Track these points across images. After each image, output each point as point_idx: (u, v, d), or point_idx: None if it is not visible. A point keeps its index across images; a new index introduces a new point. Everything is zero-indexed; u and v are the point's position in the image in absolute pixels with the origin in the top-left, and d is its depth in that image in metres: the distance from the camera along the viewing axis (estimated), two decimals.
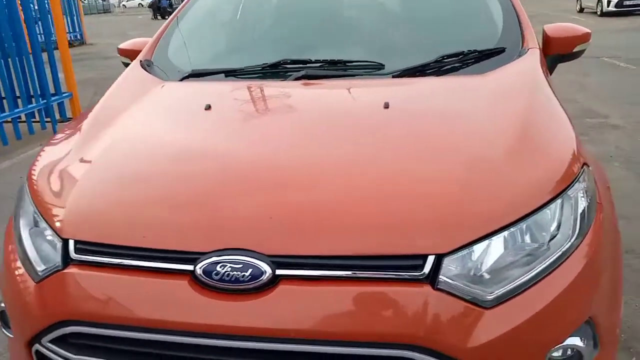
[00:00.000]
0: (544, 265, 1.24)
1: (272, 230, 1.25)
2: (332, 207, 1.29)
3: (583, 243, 1.30)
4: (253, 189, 1.38)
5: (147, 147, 1.66)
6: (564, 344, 1.25)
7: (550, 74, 2.38)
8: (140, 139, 1.71)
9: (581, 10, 20.89)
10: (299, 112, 1.79)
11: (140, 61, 2.30)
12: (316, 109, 1.79)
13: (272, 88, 2.00)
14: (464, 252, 1.20)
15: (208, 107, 1.79)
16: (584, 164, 1.45)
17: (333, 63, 2.04)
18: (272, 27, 2.48)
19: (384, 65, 1.98)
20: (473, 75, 1.88)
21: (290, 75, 1.99)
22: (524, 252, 1.25)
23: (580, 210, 1.34)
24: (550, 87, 1.83)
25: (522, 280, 1.22)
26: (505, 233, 1.24)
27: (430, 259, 1.18)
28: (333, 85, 1.93)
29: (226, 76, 2.10)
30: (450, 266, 1.19)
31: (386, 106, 1.67)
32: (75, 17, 14.93)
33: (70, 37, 14.34)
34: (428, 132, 1.56)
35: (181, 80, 2.11)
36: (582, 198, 1.36)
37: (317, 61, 2.04)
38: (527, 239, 1.26)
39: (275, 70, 2.06)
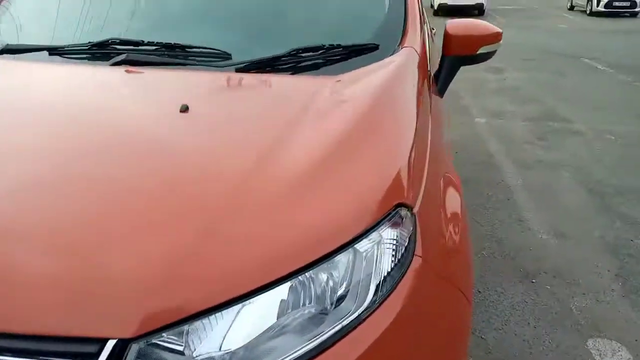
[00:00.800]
0: (313, 344, 0.88)
1: None
2: (9, 265, 0.91)
3: (379, 313, 0.94)
4: None
5: None
6: None
7: (451, 78, 2.00)
8: None
9: (572, 8, 20.65)
10: (66, 114, 1.37)
11: None
12: (94, 111, 1.37)
13: (70, 74, 1.61)
14: (176, 330, 0.83)
15: None
16: (398, 205, 1.06)
17: (170, 47, 1.64)
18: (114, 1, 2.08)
19: (230, 56, 1.60)
20: (326, 75, 1.50)
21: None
22: (288, 325, 0.89)
23: (379, 268, 0.97)
24: (417, 95, 1.45)
25: None
26: (253, 299, 0.87)
27: (110, 345, 0.82)
28: (151, 75, 1.54)
29: (50, 54, 1.72)
30: (150, 352, 0.83)
31: (184, 109, 1.29)
32: None
33: None
34: (210, 153, 1.17)
35: None
36: (387, 251, 0.99)
37: (150, 43, 1.65)
38: (293, 305, 0.90)
39: (104, 51, 1.67)
